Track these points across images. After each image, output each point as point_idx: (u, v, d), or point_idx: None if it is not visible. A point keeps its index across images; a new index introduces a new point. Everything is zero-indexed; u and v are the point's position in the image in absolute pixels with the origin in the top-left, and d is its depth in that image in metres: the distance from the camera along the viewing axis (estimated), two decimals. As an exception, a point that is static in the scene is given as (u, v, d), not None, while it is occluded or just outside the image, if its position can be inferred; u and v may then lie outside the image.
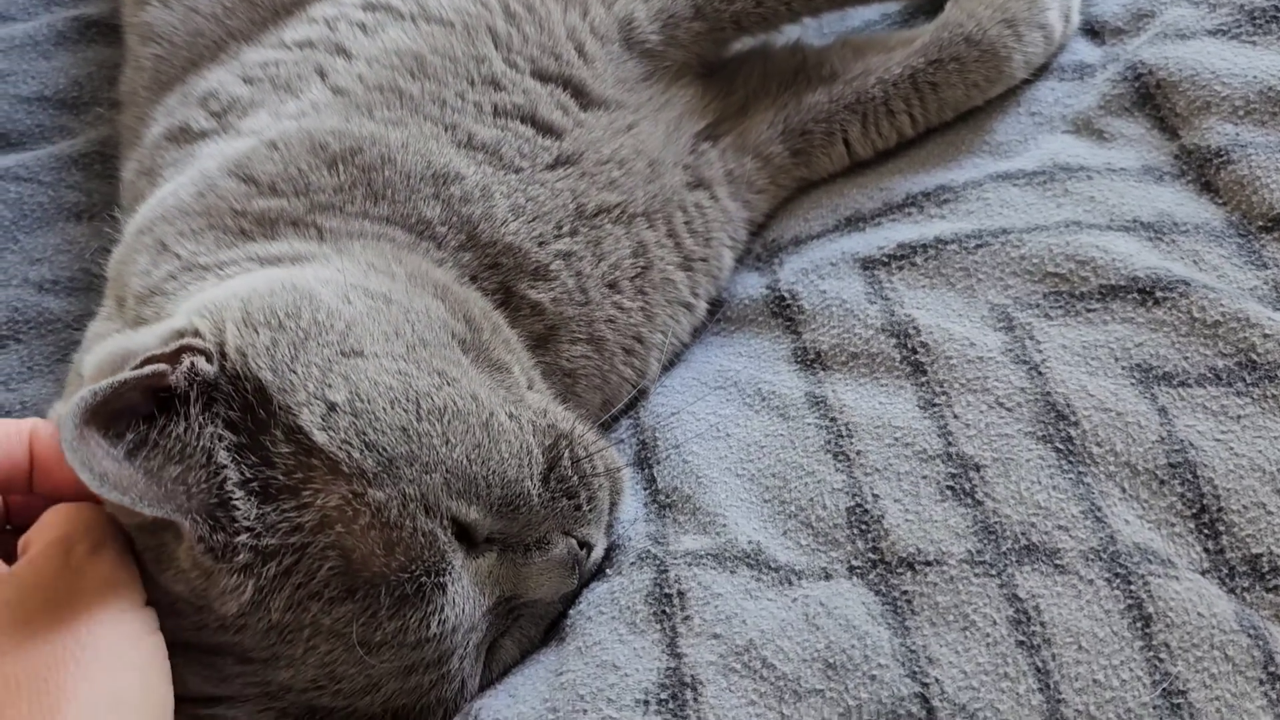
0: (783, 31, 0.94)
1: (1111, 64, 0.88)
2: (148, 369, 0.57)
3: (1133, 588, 0.62)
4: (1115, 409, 0.68)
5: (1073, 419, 0.68)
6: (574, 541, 0.66)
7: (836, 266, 0.80)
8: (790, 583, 0.65)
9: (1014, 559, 0.63)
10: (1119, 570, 0.62)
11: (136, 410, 0.57)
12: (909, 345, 0.74)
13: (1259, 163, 0.77)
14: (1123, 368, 0.70)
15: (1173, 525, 0.64)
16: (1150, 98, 0.84)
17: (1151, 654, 0.60)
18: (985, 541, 0.64)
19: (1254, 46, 0.83)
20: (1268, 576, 0.62)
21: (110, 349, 0.65)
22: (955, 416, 0.70)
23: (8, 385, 0.90)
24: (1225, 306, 0.70)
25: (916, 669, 0.60)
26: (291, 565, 0.58)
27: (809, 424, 0.72)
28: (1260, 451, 0.65)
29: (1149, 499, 0.65)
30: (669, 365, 0.83)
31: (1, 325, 0.93)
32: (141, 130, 0.88)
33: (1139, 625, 0.60)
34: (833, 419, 0.72)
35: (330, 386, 0.60)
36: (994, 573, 0.63)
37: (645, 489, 0.73)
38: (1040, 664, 0.60)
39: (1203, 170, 0.79)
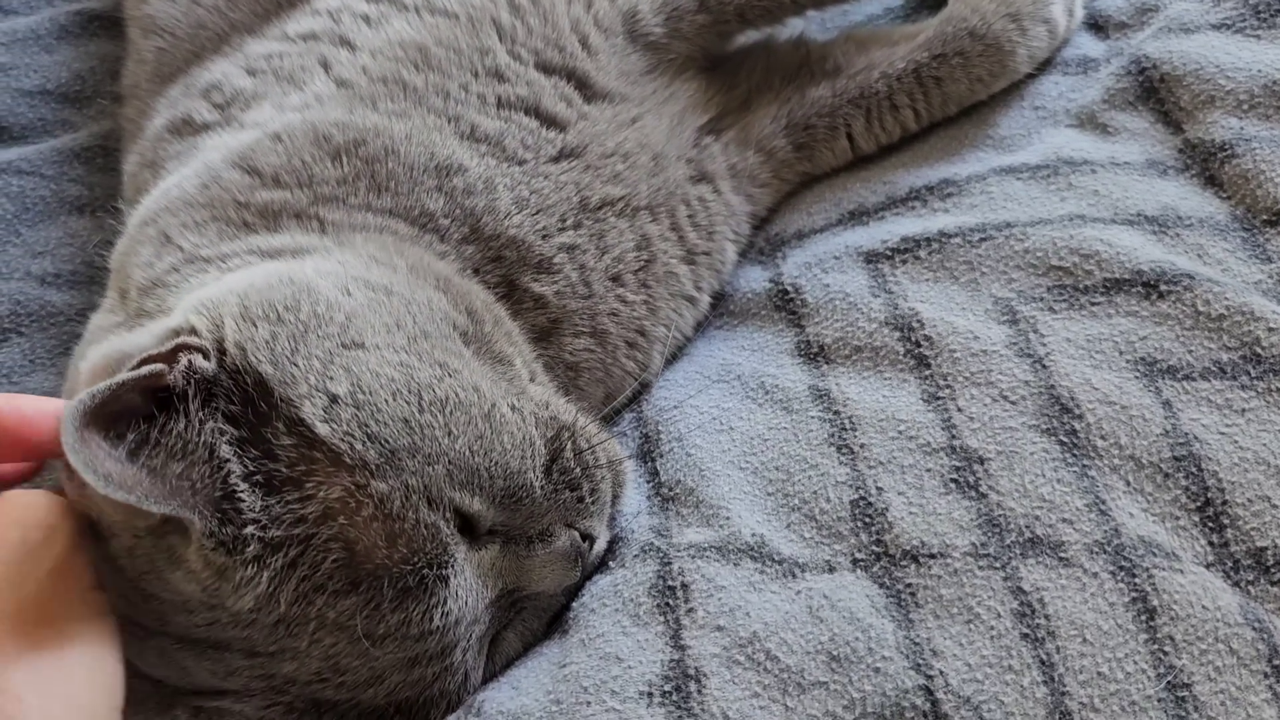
0: (786, 25, 0.94)
1: (1115, 58, 0.88)
2: (144, 369, 0.57)
3: (1137, 581, 0.61)
4: (1120, 402, 0.68)
5: (1077, 412, 0.68)
6: (576, 533, 0.66)
7: (840, 260, 0.80)
8: (794, 575, 0.64)
9: (1018, 552, 0.63)
10: (1123, 563, 0.62)
11: (136, 410, 0.57)
12: (912, 339, 0.74)
13: (1263, 156, 0.77)
14: (1127, 361, 0.70)
15: (1177, 518, 0.64)
16: (1154, 92, 0.84)
17: (1156, 647, 0.60)
18: (989, 534, 0.64)
19: (1258, 40, 0.83)
20: (1272, 570, 0.62)
21: (107, 350, 0.65)
22: (959, 410, 0.69)
23: (10, 378, 0.89)
24: (1230, 300, 0.70)
25: (920, 662, 0.60)
26: (297, 557, 0.58)
27: (812, 417, 0.72)
28: (1265, 445, 0.65)
29: (1153, 492, 0.65)
30: (672, 359, 0.83)
31: (3, 318, 0.93)
32: (144, 123, 0.88)
33: (1143, 618, 0.60)
34: (836, 412, 0.72)
35: (332, 379, 0.60)
36: (998, 566, 0.63)
37: (648, 482, 0.72)
38: (1045, 657, 0.60)
39: (1207, 164, 0.79)
